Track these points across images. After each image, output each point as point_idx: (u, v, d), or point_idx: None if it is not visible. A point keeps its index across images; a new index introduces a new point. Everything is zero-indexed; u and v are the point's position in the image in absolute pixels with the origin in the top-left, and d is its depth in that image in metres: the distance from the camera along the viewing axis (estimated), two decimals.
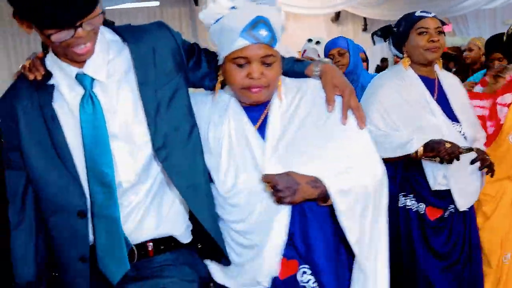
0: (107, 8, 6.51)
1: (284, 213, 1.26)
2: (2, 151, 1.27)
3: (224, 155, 1.30)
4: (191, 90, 1.38)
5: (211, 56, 1.36)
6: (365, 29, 9.73)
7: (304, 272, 1.31)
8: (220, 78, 1.31)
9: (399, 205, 2.02)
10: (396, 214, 1.97)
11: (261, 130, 1.30)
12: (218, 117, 1.34)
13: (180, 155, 1.24)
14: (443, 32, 1.98)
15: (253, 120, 1.31)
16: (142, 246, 1.25)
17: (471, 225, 2.07)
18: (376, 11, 8.29)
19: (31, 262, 1.26)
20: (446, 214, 1.98)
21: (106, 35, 1.22)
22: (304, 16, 8.44)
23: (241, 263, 1.31)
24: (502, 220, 2.21)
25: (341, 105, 1.30)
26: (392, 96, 1.96)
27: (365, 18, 9.37)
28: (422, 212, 1.99)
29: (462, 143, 1.83)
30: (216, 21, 1.24)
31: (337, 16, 9.56)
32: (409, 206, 2.03)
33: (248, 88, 1.23)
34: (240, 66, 1.22)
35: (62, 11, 1.00)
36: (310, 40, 6.69)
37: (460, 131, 1.92)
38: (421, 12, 2.01)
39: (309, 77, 1.36)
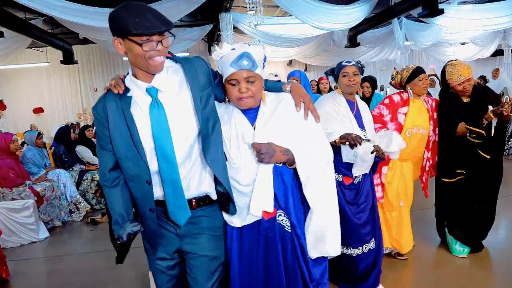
0: None
1: (269, 173, 1.55)
2: (96, 137, 1.50)
3: (232, 142, 1.58)
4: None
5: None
6: (305, 70, 12.55)
7: (280, 215, 1.61)
8: (227, 94, 1.59)
9: None
10: None
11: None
12: (226, 117, 1.61)
13: (211, 138, 1.48)
14: (359, 74, 2.39)
15: (251, 120, 1.59)
16: (189, 202, 1.47)
17: (372, 185, 2.56)
18: (311, 60, 10.97)
19: (120, 204, 1.50)
20: (355, 181, 2.46)
21: (168, 62, 1.46)
22: (271, 62, 11.18)
23: (241, 207, 1.58)
24: (397, 182, 2.84)
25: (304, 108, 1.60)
26: (328, 109, 2.40)
27: (306, 64, 12.09)
28: (340, 180, 2.45)
29: (365, 142, 2.30)
30: (220, 58, 1.54)
31: (290, 62, 12.62)
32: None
33: (240, 99, 1.51)
34: (233, 85, 1.51)
35: (154, 25, 1.29)
36: (271, 74, 10.79)
37: (365, 135, 2.39)
38: (345, 62, 2.41)
39: (283, 91, 1.66)
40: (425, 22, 8.11)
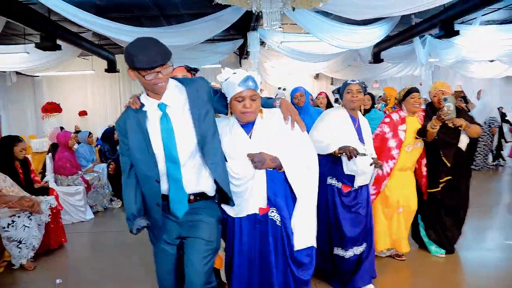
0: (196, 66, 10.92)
1: (262, 178, 1.91)
2: (118, 146, 1.78)
3: (231, 150, 1.91)
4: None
5: (224, 97, 1.95)
6: (331, 83, 13.36)
7: (272, 211, 1.97)
8: (230, 110, 1.92)
9: (327, 183, 2.80)
10: (326, 188, 2.76)
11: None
12: (228, 129, 1.95)
13: (209, 145, 1.80)
14: (362, 92, 2.74)
15: (247, 131, 1.93)
16: (188, 196, 1.79)
17: (368, 195, 2.87)
18: (337, 74, 11.66)
19: (133, 204, 1.85)
20: (353, 189, 2.76)
21: (174, 83, 1.81)
22: (301, 74, 12.07)
23: (238, 203, 1.93)
24: (398, 191, 3.28)
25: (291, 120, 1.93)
26: (332, 121, 2.74)
27: (332, 77, 12.76)
28: (339, 187, 2.76)
29: (364, 155, 2.59)
30: (225, 80, 1.87)
31: (317, 76, 13.37)
32: (333, 183, 2.80)
33: (244, 112, 1.84)
34: (239, 101, 1.83)
35: (153, 61, 1.60)
36: (279, 88, 11.44)
37: (364, 148, 2.68)
38: (350, 80, 2.79)
39: (274, 107, 2.00)
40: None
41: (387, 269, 3.29)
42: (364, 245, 2.84)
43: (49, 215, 3.90)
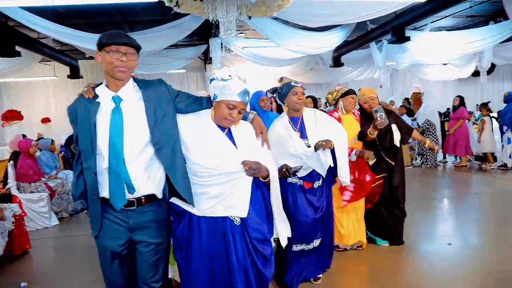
0: (161, 71, 10.01)
1: (248, 185, 2.00)
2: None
3: (201, 145, 1.93)
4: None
5: (192, 97, 2.01)
6: None
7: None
8: (212, 108, 1.97)
9: (287, 181, 2.86)
10: (285, 187, 2.82)
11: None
12: (200, 124, 1.98)
13: (166, 148, 1.83)
14: (304, 94, 2.80)
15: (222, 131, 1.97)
16: (138, 199, 1.84)
17: (329, 192, 3.00)
18: (300, 78, 11.74)
19: (75, 186, 1.93)
20: (315, 185, 2.86)
21: (133, 82, 1.86)
22: (263, 78, 12.15)
23: (213, 205, 1.95)
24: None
25: (261, 137, 2.07)
26: (275, 140, 2.67)
27: (295, 81, 12.35)
28: (301, 184, 2.85)
29: (305, 149, 2.72)
30: (221, 80, 1.92)
31: (281, 79, 13.51)
32: (294, 181, 2.87)
33: (227, 119, 1.92)
34: (229, 108, 1.89)
35: (121, 38, 1.72)
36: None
37: (307, 143, 2.75)
38: (294, 82, 2.81)
39: (246, 120, 2.08)
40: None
41: (335, 258, 3.54)
42: (321, 238, 2.98)
43: (13, 222, 4.01)
